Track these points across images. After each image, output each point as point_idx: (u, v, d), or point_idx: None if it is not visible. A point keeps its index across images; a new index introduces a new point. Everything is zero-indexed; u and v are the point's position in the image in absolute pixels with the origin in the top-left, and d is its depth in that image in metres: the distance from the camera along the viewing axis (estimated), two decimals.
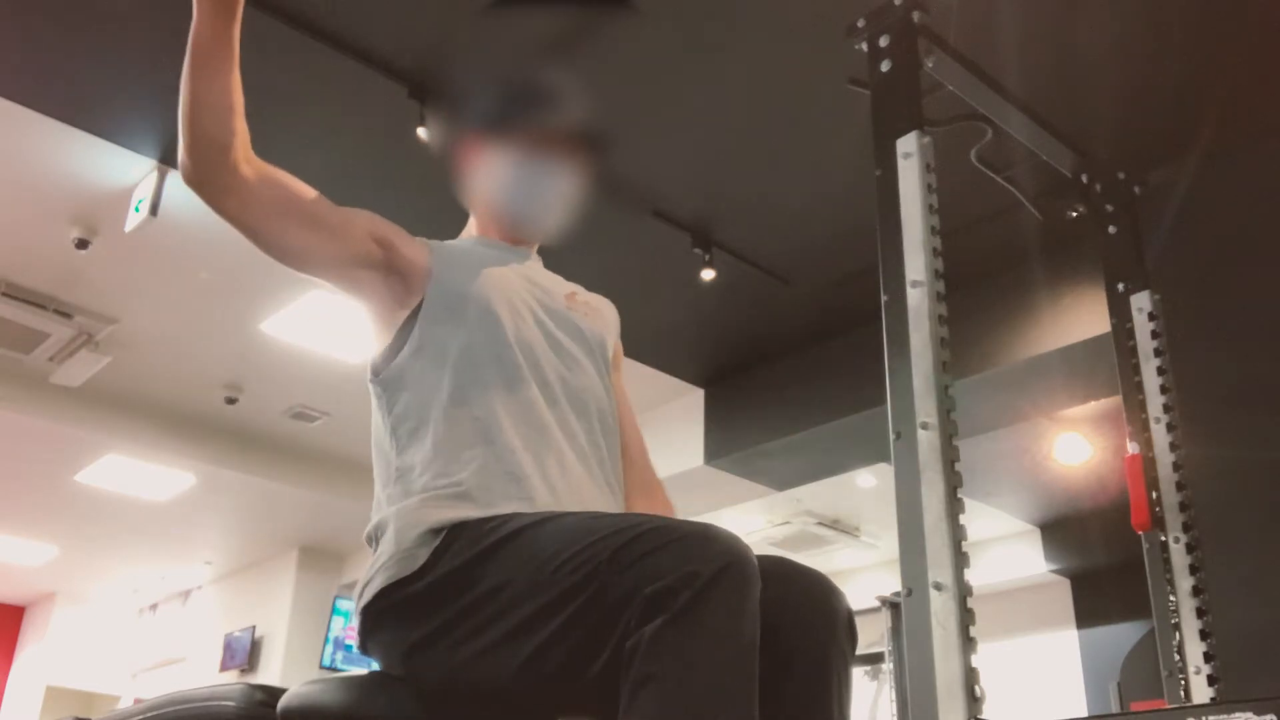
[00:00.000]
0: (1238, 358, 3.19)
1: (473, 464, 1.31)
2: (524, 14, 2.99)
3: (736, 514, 6.45)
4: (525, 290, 1.47)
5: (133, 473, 6.49)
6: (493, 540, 1.21)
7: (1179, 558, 1.78)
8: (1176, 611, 1.75)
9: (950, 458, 1.31)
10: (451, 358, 1.38)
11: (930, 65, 1.63)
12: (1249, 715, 0.99)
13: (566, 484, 1.35)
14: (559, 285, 1.56)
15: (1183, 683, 1.70)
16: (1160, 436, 1.87)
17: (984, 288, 4.11)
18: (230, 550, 8.20)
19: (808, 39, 3.05)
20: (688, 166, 3.72)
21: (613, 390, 1.52)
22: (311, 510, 7.07)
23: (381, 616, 1.28)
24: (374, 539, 1.34)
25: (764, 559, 1.21)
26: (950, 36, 1.68)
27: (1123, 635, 6.38)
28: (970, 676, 1.19)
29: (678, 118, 3.47)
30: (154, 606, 9.73)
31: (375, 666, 1.32)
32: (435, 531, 1.25)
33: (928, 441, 1.32)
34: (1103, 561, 6.73)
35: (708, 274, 4.14)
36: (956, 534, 1.26)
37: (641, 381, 5.12)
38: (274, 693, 1.33)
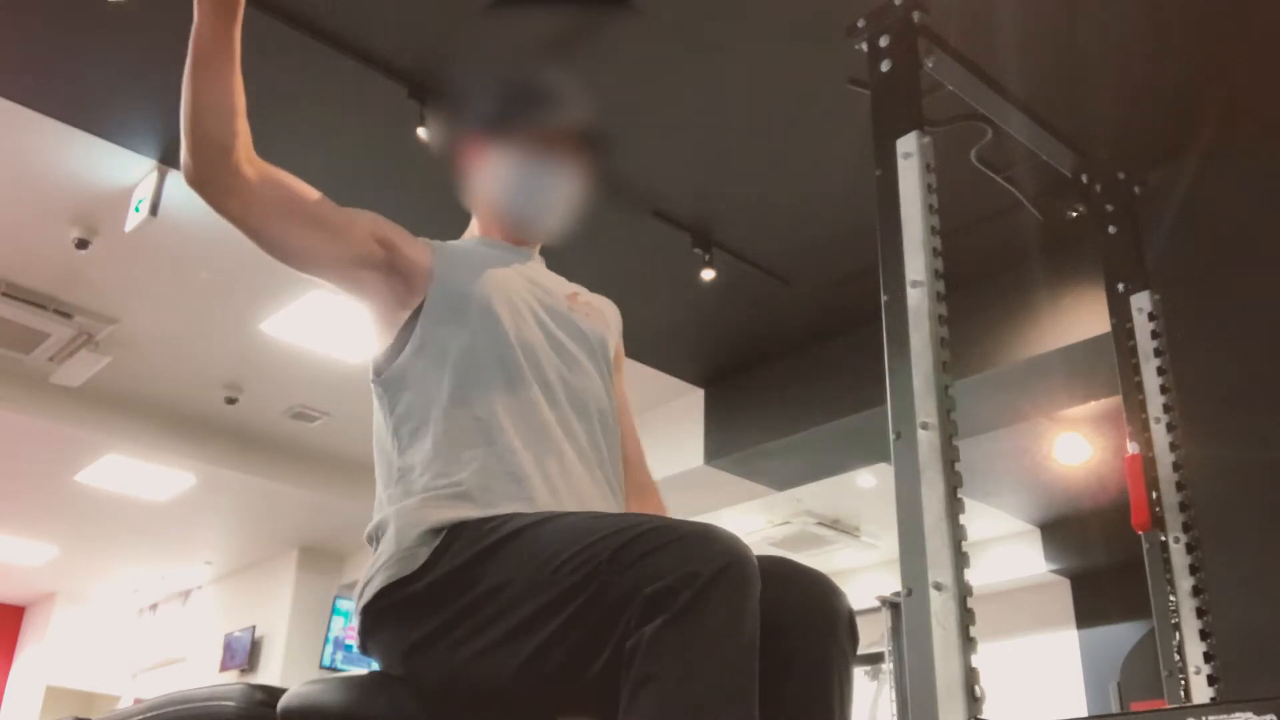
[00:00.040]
0: (1238, 358, 3.19)
1: (473, 464, 1.31)
2: (524, 14, 2.99)
3: (736, 514, 6.45)
4: (527, 291, 1.47)
5: (133, 473, 6.49)
6: (493, 540, 1.21)
7: (1179, 558, 1.78)
8: (1176, 611, 1.75)
9: (950, 458, 1.31)
10: (452, 358, 1.38)
11: (930, 65, 1.62)
12: (1249, 715, 0.99)
13: (567, 484, 1.35)
14: (561, 286, 1.56)
15: (1183, 683, 1.70)
16: (1160, 436, 1.87)
17: (984, 288, 4.11)
18: (230, 550, 8.20)
19: (808, 39, 3.05)
20: (688, 166, 3.72)
21: (614, 391, 1.52)
22: (311, 510, 7.07)
23: (381, 616, 1.28)
24: (374, 538, 1.34)
25: (765, 559, 1.21)
26: (950, 36, 1.68)
27: (1123, 635, 6.38)
28: (970, 676, 1.19)
29: (678, 118, 3.47)
30: (154, 606, 9.73)
31: (375, 666, 1.32)
32: (435, 531, 1.25)
33: (928, 441, 1.32)
34: (1103, 561, 6.73)
35: (708, 274, 4.14)
36: (956, 534, 1.26)
37: (641, 381, 5.12)
38: (274, 693, 1.33)
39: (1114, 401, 2.39)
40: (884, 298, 1.43)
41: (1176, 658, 1.72)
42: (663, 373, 5.23)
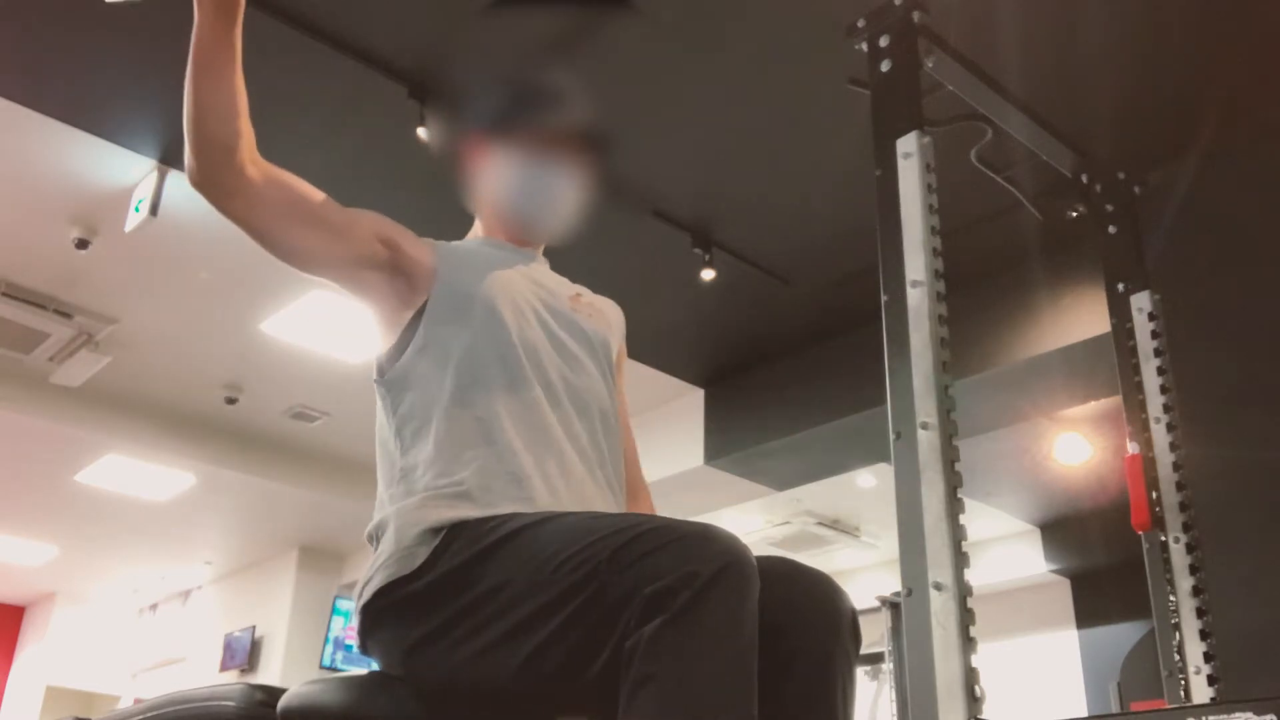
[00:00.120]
0: (1238, 358, 3.19)
1: (474, 464, 1.31)
2: (524, 14, 2.99)
3: (736, 514, 6.45)
4: (529, 291, 1.47)
5: (133, 473, 6.49)
6: (492, 540, 1.21)
7: (1179, 558, 1.78)
8: (1176, 611, 1.75)
9: (950, 458, 1.31)
10: (455, 358, 1.38)
11: (930, 65, 1.62)
12: (1249, 715, 0.99)
13: (567, 485, 1.35)
14: (564, 287, 1.56)
15: (1183, 683, 1.70)
16: (1160, 436, 1.87)
17: (984, 288, 4.11)
18: (230, 550, 8.20)
19: (808, 39, 3.05)
20: (688, 166, 3.72)
21: (615, 391, 1.52)
22: (311, 510, 7.07)
23: (381, 615, 1.28)
24: (375, 538, 1.34)
25: (767, 559, 1.21)
26: (950, 36, 1.68)
27: (1123, 635, 6.38)
28: (970, 676, 1.19)
29: (678, 118, 3.47)
30: (154, 606, 9.73)
31: (375, 666, 1.32)
32: (435, 530, 1.25)
33: (928, 441, 1.32)
34: (1103, 561, 6.73)
35: (708, 274, 4.14)
36: (956, 534, 1.26)
37: (641, 381, 5.12)
38: (274, 693, 1.33)
39: (1114, 401, 2.39)
40: (884, 298, 1.43)
41: (1176, 658, 1.72)
42: (663, 373, 5.23)
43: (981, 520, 6.77)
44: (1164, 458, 1.85)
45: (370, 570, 1.30)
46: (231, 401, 5.75)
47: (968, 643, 1.22)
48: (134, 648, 9.71)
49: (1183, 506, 1.81)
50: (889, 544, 7.18)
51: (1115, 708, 5.49)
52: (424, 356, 1.39)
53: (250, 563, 8.46)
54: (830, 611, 1.24)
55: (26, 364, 5.27)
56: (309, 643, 7.83)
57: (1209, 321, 3.23)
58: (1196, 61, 3.13)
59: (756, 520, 6.91)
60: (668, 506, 1.60)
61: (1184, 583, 1.76)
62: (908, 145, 1.49)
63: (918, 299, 1.40)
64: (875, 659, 6.06)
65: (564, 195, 1.52)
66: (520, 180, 1.51)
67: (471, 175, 1.58)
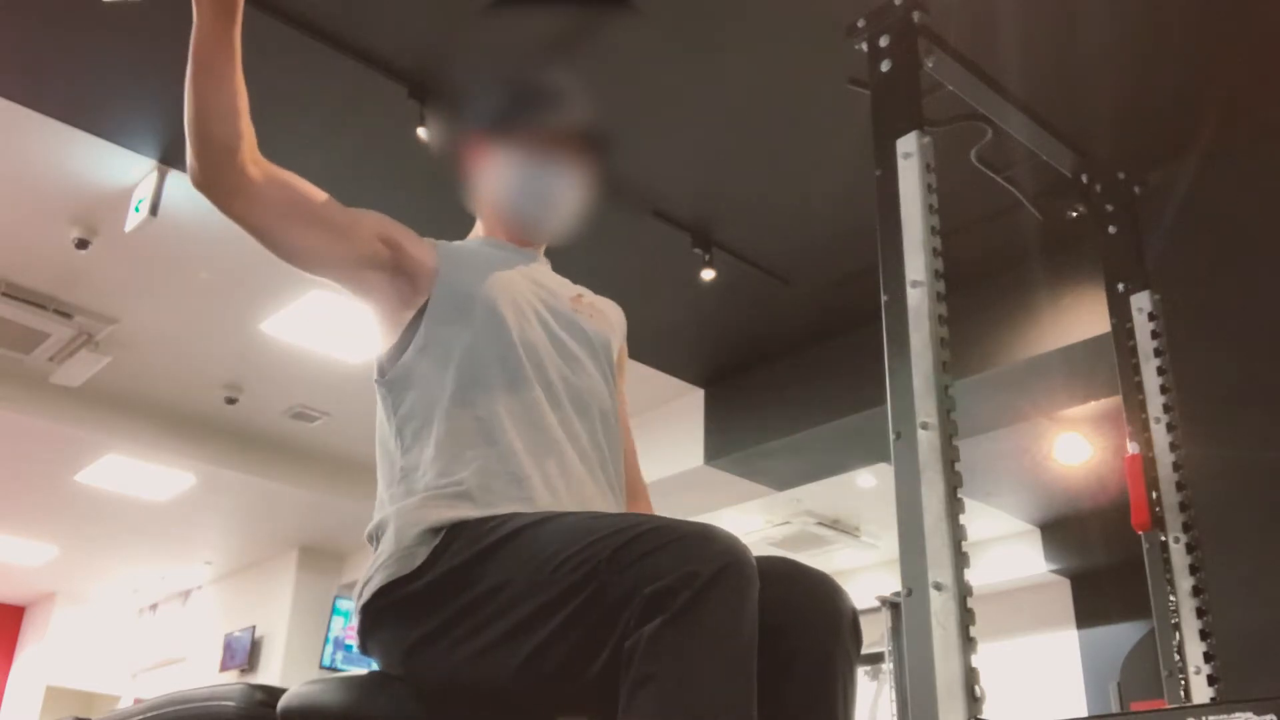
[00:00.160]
0: (1238, 358, 3.19)
1: (474, 464, 1.31)
2: (524, 14, 2.99)
3: (736, 514, 6.45)
4: (530, 292, 1.47)
5: (133, 473, 6.49)
6: (492, 540, 1.21)
7: (1179, 558, 1.78)
8: (1176, 611, 1.75)
9: (950, 458, 1.31)
10: (455, 358, 1.38)
11: (930, 65, 1.62)
12: (1249, 715, 0.99)
13: (567, 485, 1.35)
14: (565, 287, 1.56)
15: (1183, 683, 1.70)
16: (1160, 436, 1.87)
17: (984, 288, 4.11)
18: (230, 550, 8.20)
19: (808, 39, 3.05)
20: (688, 166, 3.72)
21: (616, 392, 1.52)
22: (311, 510, 7.07)
23: (381, 615, 1.28)
24: (375, 538, 1.34)
25: (767, 559, 1.21)
26: (950, 36, 1.68)
27: (1123, 635, 6.38)
28: (970, 676, 1.19)
29: (678, 118, 3.47)
30: (154, 606, 9.73)
31: (375, 666, 1.32)
32: (435, 530, 1.25)
33: (928, 441, 1.32)
34: (1103, 561, 6.73)
35: (708, 274, 4.14)
36: (956, 534, 1.26)
37: (641, 381, 5.12)
38: (274, 693, 1.33)
39: (1114, 401, 2.39)
40: (884, 298, 1.43)
41: (1176, 658, 1.72)
42: (663, 373, 5.23)
43: (981, 520, 6.77)
44: (1164, 458, 1.85)
45: (370, 570, 1.30)
46: (231, 401, 5.75)
47: (968, 643, 1.22)
48: (134, 648, 9.71)
49: (1183, 506, 1.81)
50: (889, 544, 7.18)
51: (1115, 708, 5.49)
52: (425, 356, 1.39)
53: (250, 563, 8.46)
54: (831, 612, 1.23)
55: (26, 364, 5.27)
56: (309, 643, 7.83)
57: (1209, 321, 3.23)
58: (1196, 61, 3.13)
59: (756, 520, 6.91)
60: (668, 506, 1.60)
61: (1184, 583, 1.76)
62: (908, 145, 1.49)
63: (918, 299, 1.40)
64: (875, 659, 6.07)
65: (564, 195, 1.52)
66: (520, 180, 1.51)
67: (472, 175, 1.58)
